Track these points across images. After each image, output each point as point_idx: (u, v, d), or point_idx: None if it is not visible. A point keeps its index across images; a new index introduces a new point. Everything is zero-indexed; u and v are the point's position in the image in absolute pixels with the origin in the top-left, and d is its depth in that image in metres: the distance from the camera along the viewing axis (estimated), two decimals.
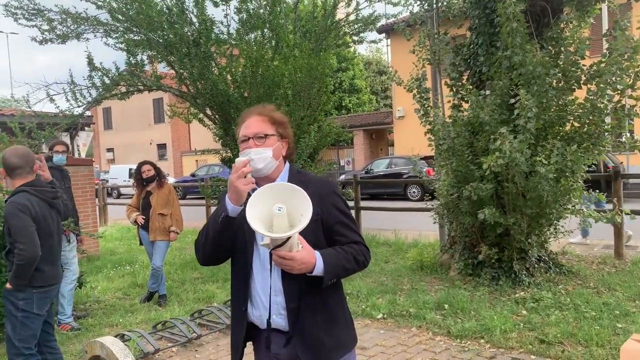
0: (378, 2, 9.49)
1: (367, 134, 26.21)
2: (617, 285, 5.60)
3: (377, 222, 10.44)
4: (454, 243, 6.70)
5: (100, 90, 8.13)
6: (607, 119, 5.41)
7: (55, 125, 7.65)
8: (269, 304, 1.85)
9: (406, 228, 9.79)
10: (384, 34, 22.01)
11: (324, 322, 1.87)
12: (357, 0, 9.57)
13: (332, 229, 1.88)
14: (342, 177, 19.30)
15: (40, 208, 3.37)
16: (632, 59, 4.99)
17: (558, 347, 4.08)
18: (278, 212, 1.62)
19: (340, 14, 9.59)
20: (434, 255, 7.04)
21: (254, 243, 1.89)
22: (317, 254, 1.75)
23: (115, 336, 4.25)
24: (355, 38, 10.09)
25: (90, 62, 7.89)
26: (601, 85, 5.10)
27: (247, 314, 1.92)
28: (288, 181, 1.86)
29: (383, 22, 10.28)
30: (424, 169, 10.90)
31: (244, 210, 1.79)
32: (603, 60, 5.17)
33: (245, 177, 1.73)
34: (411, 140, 12.84)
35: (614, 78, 5.03)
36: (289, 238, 1.64)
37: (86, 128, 14.25)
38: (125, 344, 3.94)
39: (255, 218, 1.61)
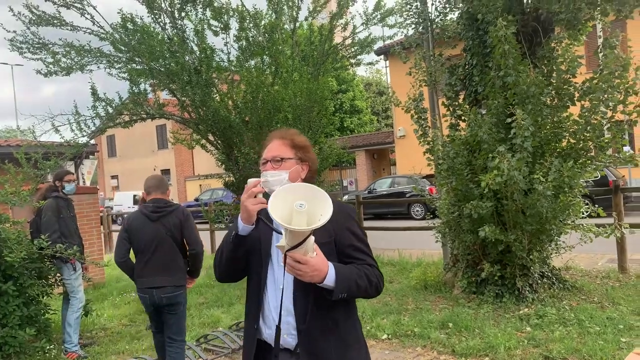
0: (374, 25, 9.66)
1: (369, 154, 26.35)
2: (621, 299, 5.60)
3: (381, 242, 10.43)
4: (456, 261, 6.71)
5: (104, 119, 8.27)
6: (607, 134, 5.48)
7: (60, 154, 7.76)
8: (279, 322, 1.87)
9: (410, 247, 9.79)
10: (382, 56, 22.28)
11: (335, 345, 1.86)
12: (354, 24, 9.77)
13: (344, 252, 1.88)
14: (346, 197, 19.35)
15: (136, 221, 3.94)
16: (622, 76, 5.08)
17: None
18: (299, 209, 1.61)
19: (337, 37, 9.77)
20: (437, 274, 7.04)
21: (269, 262, 1.92)
22: (330, 264, 1.75)
23: None
24: (353, 61, 10.25)
25: (94, 92, 8.04)
26: (594, 102, 5.19)
27: (259, 331, 1.93)
28: None
29: (380, 44, 10.45)
30: (427, 188, 10.95)
31: (255, 230, 1.84)
32: (595, 77, 5.27)
33: (255, 196, 1.79)
34: (413, 159, 12.91)
35: (605, 95, 5.12)
36: (306, 239, 1.63)
37: (90, 156, 14.42)
38: None
39: (277, 212, 1.60)
